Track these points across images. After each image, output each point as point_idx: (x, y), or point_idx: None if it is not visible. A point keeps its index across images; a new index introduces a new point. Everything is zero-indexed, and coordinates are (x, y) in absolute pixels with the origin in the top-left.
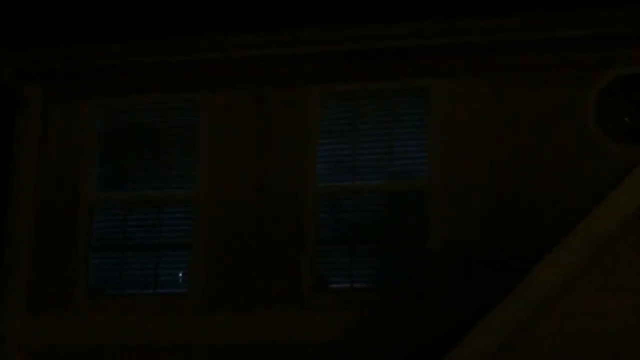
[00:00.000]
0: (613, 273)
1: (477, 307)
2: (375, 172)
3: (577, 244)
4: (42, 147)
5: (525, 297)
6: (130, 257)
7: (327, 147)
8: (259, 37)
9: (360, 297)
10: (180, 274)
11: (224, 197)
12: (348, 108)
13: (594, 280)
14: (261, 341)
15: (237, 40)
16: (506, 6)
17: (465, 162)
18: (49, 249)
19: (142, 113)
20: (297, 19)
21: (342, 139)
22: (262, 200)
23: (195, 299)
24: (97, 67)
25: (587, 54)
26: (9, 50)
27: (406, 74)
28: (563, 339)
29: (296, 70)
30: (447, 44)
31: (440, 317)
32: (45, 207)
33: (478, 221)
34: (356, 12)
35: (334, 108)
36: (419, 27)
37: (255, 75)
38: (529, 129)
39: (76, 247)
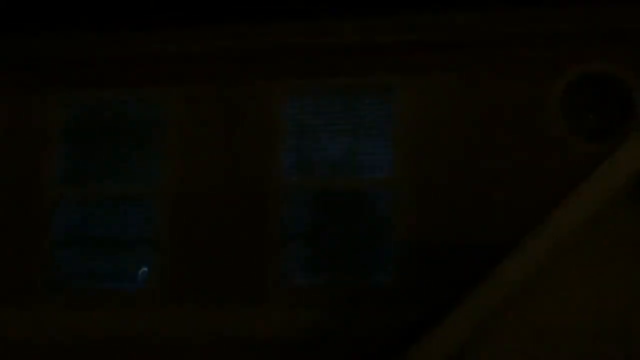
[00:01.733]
0: (575, 271)
1: (441, 303)
2: (340, 168)
3: (541, 241)
4: (2, 140)
5: (489, 294)
6: (93, 252)
7: (291, 143)
8: (223, 30)
9: (324, 294)
10: (144, 269)
11: (187, 192)
12: (312, 103)
13: (556, 277)
14: (224, 336)
15: (201, 33)
16: (473, 1)
17: (428, 159)
18: (10, 243)
19: (104, 106)
20: (263, 12)
21: (307, 135)
22: (225, 195)
23: (158, 293)
24: (58, 59)
25: (554, 50)
26: None
27: (372, 69)
28: (527, 336)
29: (260, 64)
30: (413, 39)
31: (403, 313)
32: (6, 201)
33: (442, 218)
34: (322, 6)
35: (298, 103)
36: (386, 22)
37: (219, 69)
38: (494, 124)
39: (38, 241)
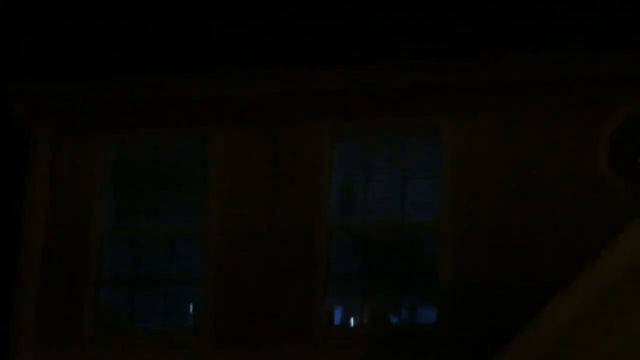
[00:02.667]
0: (620, 315)
1: (485, 346)
2: (386, 208)
3: (588, 284)
4: (52, 183)
5: (537, 335)
6: (140, 292)
7: (338, 184)
8: (271, 74)
9: (371, 334)
10: (191, 309)
11: (234, 232)
12: (360, 144)
13: (602, 322)
14: None
15: (248, 77)
16: (520, 44)
17: (475, 200)
18: (59, 284)
19: (152, 146)
20: (310, 56)
21: (354, 175)
22: (272, 236)
23: (204, 335)
24: (108, 101)
25: (602, 92)
26: (20, 87)
27: (418, 111)
28: None
29: (309, 106)
30: (459, 81)
31: (450, 354)
32: (56, 242)
33: (487, 259)
34: (370, 50)
35: (346, 144)
36: (432, 64)
37: (267, 110)
38: (541, 167)
39: (86, 281)
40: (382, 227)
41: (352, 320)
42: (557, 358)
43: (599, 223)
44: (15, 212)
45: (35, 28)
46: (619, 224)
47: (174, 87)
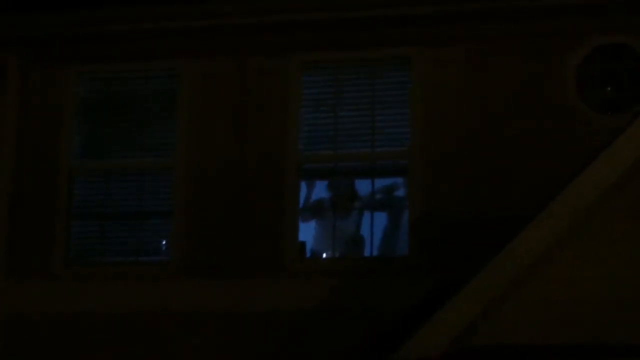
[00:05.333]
0: (591, 242)
1: (457, 274)
2: (356, 140)
3: (559, 212)
4: (20, 114)
5: (508, 264)
6: (110, 225)
7: (308, 116)
8: (241, 4)
9: (341, 265)
10: (164, 242)
11: (204, 165)
12: (329, 76)
13: (574, 248)
14: (241, 308)
15: (218, 7)
16: None
17: (445, 131)
18: (28, 217)
19: (122, 80)
20: None
21: (323, 107)
22: (242, 168)
23: (174, 267)
24: (76, 34)
25: (571, 22)
26: None
27: (388, 42)
28: (543, 306)
29: (278, 38)
30: (430, 12)
31: (421, 285)
32: (24, 175)
33: (458, 190)
34: None
35: (314, 76)
36: None
37: (236, 43)
38: (510, 97)
39: (55, 214)
40: (352, 159)
41: (323, 252)
42: (528, 285)
43: (568, 154)
44: None
45: None
46: (588, 155)
47: (143, 19)
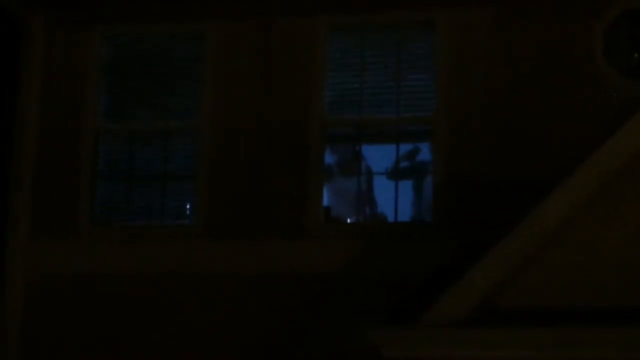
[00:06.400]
0: (617, 205)
1: (481, 238)
2: (381, 104)
3: (584, 178)
4: (46, 75)
5: (533, 228)
6: (134, 187)
7: (333, 78)
8: None
9: (366, 229)
10: (188, 204)
11: (228, 127)
12: (354, 38)
13: (598, 214)
14: (264, 270)
15: None
16: None
17: (469, 95)
18: (53, 178)
19: (147, 42)
20: None
21: (348, 70)
22: (267, 131)
23: (198, 229)
24: None
25: None
26: None
27: (414, 4)
28: (569, 269)
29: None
30: None
31: (444, 249)
32: (50, 136)
33: (482, 154)
34: None
35: (340, 39)
36: None
37: (262, 5)
38: (536, 61)
39: (80, 175)
40: (377, 123)
41: (347, 216)
42: (554, 249)
43: (595, 118)
44: (9, 105)
45: None
46: (614, 120)
47: None
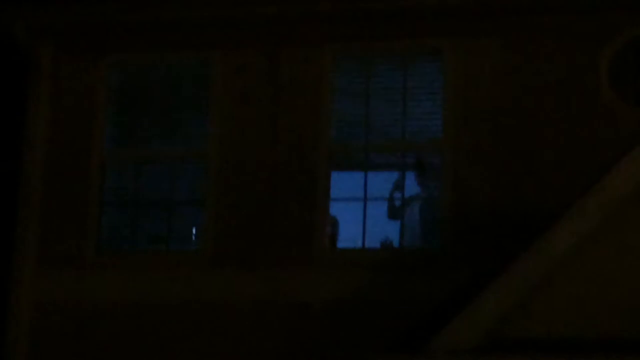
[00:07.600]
0: (624, 236)
1: (489, 266)
2: (387, 131)
3: (591, 207)
4: (53, 103)
5: (539, 258)
6: (142, 214)
7: (339, 106)
8: None
9: (371, 258)
10: (195, 231)
11: (236, 155)
12: (361, 66)
13: (606, 242)
14: (271, 299)
15: None
16: None
17: (477, 124)
18: (61, 206)
19: (154, 70)
20: None
21: (355, 98)
22: (274, 158)
23: (205, 256)
24: (109, 23)
25: (603, 15)
26: (21, 8)
27: (420, 33)
28: (575, 300)
29: (310, 28)
30: (462, 3)
31: (451, 278)
32: (57, 164)
33: (489, 182)
34: None
35: (347, 67)
36: None
37: (269, 33)
38: (543, 89)
39: (87, 203)
40: (383, 150)
41: (355, 243)
42: (557, 281)
43: (601, 147)
44: (17, 134)
45: None
46: (621, 148)
47: (176, 9)
